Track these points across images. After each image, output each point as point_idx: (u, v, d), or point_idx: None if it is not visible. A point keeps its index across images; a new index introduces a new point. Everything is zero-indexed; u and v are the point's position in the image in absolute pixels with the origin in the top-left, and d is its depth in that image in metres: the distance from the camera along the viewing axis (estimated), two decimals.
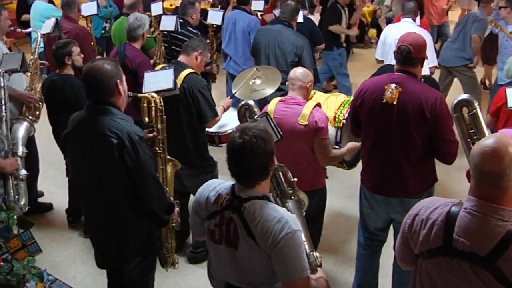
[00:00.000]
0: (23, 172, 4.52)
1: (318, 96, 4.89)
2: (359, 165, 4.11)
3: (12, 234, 3.96)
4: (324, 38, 7.38)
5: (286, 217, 2.55)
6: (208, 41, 6.48)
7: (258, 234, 2.53)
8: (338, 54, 8.17)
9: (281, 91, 5.33)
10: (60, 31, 5.89)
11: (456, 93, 4.62)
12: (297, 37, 6.20)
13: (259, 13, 7.76)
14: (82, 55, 5.07)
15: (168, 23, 6.22)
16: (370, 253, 4.23)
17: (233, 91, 5.02)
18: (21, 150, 4.61)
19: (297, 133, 4.03)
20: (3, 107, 4.50)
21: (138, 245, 3.38)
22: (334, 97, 4.92)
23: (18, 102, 5.09)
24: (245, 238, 2.57)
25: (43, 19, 6.97)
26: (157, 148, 3.80)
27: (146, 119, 3.77)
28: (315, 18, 8.88)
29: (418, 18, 6.53)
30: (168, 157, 3.93)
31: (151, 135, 3.75)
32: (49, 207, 5.76)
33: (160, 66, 5.05)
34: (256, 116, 3.64)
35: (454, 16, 11.38)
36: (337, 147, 4.48)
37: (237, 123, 3.94)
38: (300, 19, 6.63)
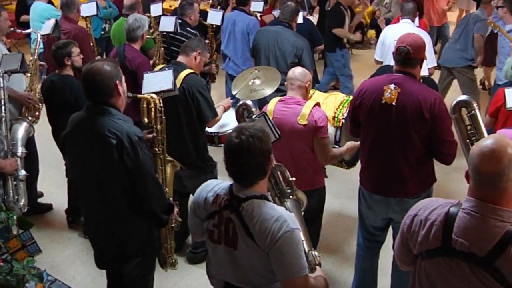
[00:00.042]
0: (23, 172, 4.52)
1: (317, 95, 4.89)
2: (359, 165, 4.11)
3: (11, 235, 3.96)
4: (323, 39, 7.38)
5: (284, 215, 2.55)
6: (207, 41, 6.49)
7: (257, 233, 2.53)
8: (341, 55, 8.16)
9: (281, 92, 5.34)
10: (60, 32, 5.90)
11: (454, 94, 4.63)
12: (297, 38, 6.21)
13: (258, 14, 7.77)
14: (82, 56, 5.08)
15: (167, 24, 6.23)
16: (369, 253, 4.23)
17: (233, 92, 5.02)
18: (20, 150, 4.61)
19: (296, 133, 4.04)
20: (3, 107, 4.50)
21: (138, 245, 3.38)
22: (333, 96, 4.93)
23: (18, 103, 5.10)
24: (243, 237, 2.58)
25: (43, 19, 6.98)
26: (156, 149, 3.80)
27: (146, 119, 3.77)
28: (314, 19, 8.90)
29: (417, 19, 6.54)
30: (168, 157, 3.94)
31: (150, 135, 3.75)
32: (48, 207, 5.77)
33: (159, 66, 5.05)
34: (254, 116, 3.65)
35: (452, 17, 11.40)
36: (336, 146, 4.49)
37: (237, 123, 3.95)
38: (300, 20, 6.64)
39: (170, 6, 10.26)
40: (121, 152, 3.12)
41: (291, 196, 3.09)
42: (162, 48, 6.50)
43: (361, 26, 10.98)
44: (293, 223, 2.54)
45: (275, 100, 4.25)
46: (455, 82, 7.56)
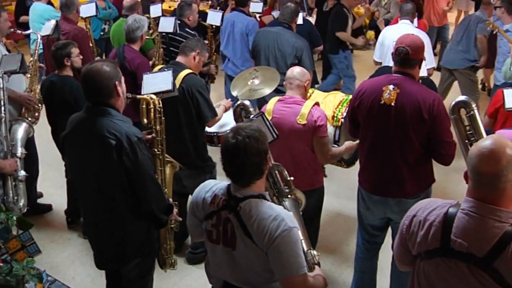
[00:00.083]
0: (22, 173, 4.52)
1: (316, 95, 4.90)
2: (358, 165, 4.11)
3: (11, 235, 3.97)
4: (321, 40, 7.38)
5: (282, 214, 2.56)
6: (206, 42, 6.49)
7: (255, 232, 2.54)
8: (344, 57, 8.16)
9: (280, 92, 5.35)
10: (59, 33, 5.90)
11: (455, 95, 4.63)
12: (297, 39, 6.22)
13: (257, 15, 7.77)
14: (81, 57, 5.08)
15: (167, 25, 6.24)
16: (368, 254, 4.23)
17: (232, 92, 5.03)
18: (20, 151, 4.61)
19: (296, 133, 4.04)
20: (2, 108, 4.50)
21: (137, 246, 3.38)
22: (332, 96, 4.93)
23: (17, 104, 5.09)
24: (242, 237, 2.58)
25: (43, 20, 6.98)
26: (155, 150, 3.80)
27: (145, 120, 3.77)
28: (313, 19, 8.90)
29: (416, 20, 6.55)
30: (167, 158, 3.94)
31: (149, 136, 3.75)
32: (48, 208, 5.77)
33: (158, 67, 5.05)
34: (252, 116, 3.65)
35: (451, 18, 11.40)
36: (335, 146, 4.49)
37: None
38: (299, 21, 6.65)
39: (170, 7, 10.27)
40: (120, 153, 3.12)
41: (289, 196, 3.09)
42: (162, 49, 6.50)
43: (360, 27, 10.98)
44: (291, 222, 2.54)
45: (274, 99, 4.25)
46: (455, 83, 7.56)
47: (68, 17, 6.46)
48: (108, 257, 3.45)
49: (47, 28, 5.93)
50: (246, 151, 2.53)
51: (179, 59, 4.71)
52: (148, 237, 3.43)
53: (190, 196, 4.76)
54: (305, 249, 2.78)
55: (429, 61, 5.57)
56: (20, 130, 4.77)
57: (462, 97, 3.86)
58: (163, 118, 3.81)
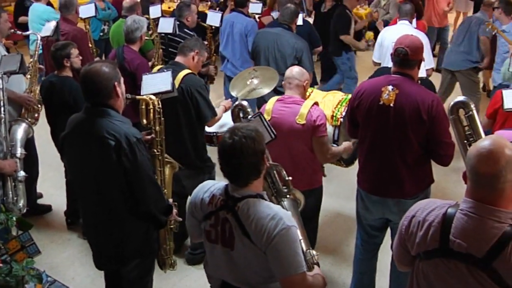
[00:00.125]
0: (22, 173, 4.53)
1: (315, 94, 4.91)
2: (357, 165, 4.12)
3: (11, 236, 3.98)
4: (321, 41, 7.39)
5: (280, 213, 2.56)
6: (206, 43, 6.50)
7: (253, 232, 2.54)
8: (347, 58, 8.17)
9: (280, 93, 5.35)
10: (59, 34, 5.90)
11: (455, 96, 4.64)
12: (297, 40, 6.23)
13: (256, 16, 7.78)
14: (81, 57, 5.08)
15: (166, 25, 6.24)
16: (367, 255, 4.24)
17: (231, 92, 5.04)
18: (19, 151, 4.61)
19: (295, 133, 4.05)
20: (2, 109, 4.50)
21: (136, 246, 3.38)
22: (331, 95, 4.94)
23: (17, 105, 5.09)
24: (240, 237, 2.59)
25: (42, 21, 6.98)
26: (155, 150, 3.80)
27: (144, 121, 3.77)
28: (311, 20, 8.90)
29: (414, 20, 6.56)
30: (167, 159, 3.94)
31: (149, 137, 3.75)
32: (48, 208, 5.77)
33: (158, 67, 5.05)
34: (250, 116, 3.66)
35: (450, 19, 11.39)
36: (334, 145, 4.50)
37: None
38: (299, 22, 6.65)
39: (169, 8, 10.27)
40: (119, 154, 3.12)
41: (288, 196, 3.09)
42: (161, 50, 6.51)
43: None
44: (289, 221, 2.54)
45: (273, 99, 4.26)
46: (457, 85, 7.56)
47: (67, 17, 6.47)
48: (107, 258, 3.45)
49: (47, 29, 5.94)
50: (242, 151, 2.54)
51: (178, 59, 4.72)
52: (147, 238, 3.43)
53: (189, 197, 4.77)
54: (304, 249, 2.79)
55: (428, 62, 5.58)
56: (20, 131, 4.77)
57: (461, 98, 3.85)
58: (162, 118, 3.81)
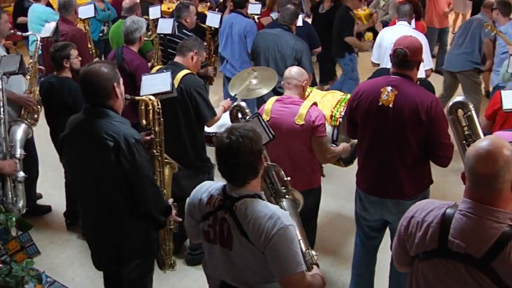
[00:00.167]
0: (21, 174, 4.53)
1: (314, 94, 4.91)
2: (356, 165, 4.12)
3: (10, 236, 3.98)
4: (320, 41, 7.39)
5: (278, 213, 2.56)
6: (205, 44, 6.50)
7: (251, 231, 2.54)
8: (349, 59, 8.18)
9: (280, 94, 5.36)
10: (58, 35, 5.90)
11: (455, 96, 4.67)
12: (297, 41, 6.23)
13: (256, 17, 7.78)
14: (80, 58, 5.08)
15: (165, 26, 6.24)
16: (366, 257, 4.24)
17: (231, 92, 5.04)
18: (19, 152, 4.61)
19: (294, 133, 4.05)
20: (1, 109, 4.49)
21: (136, 247, 3.38)
22: (330, 95, 4.95)
23: (17, 106, 5.09)
24: (238, 237, 2.59)
25: (42, 22, 6.97)
26: (154, 151, 3.80)
27: (144, 121, 3.77)
28: (310, 21, 8.90)
29: (413, 21, 6.57)
30: (166, 159, 3.94)
31: (148, 137, 3.75)
32: (47, 209, 5.77)
33: (157, 68, 5.05)
34: (248, 117, 3.66)
35: (449, 20, 11.42)
36: (333, 145, 4.51)
37: None
38: (299, 23, 6.66)
39: (169, 9, 10.27)
40: (118, 154, 3.12)
41: (287, 196, 3.10)
42: (160, 51, 6.51)
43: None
44: (286, 220, 2.54)
45: (272, 99, 4.27)
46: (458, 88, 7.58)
47: (66, 18, 6.47)
48: (107, 258, 3.45)
49: (47, 30, 5.93)
50: (239, 151, 2.54)
51: (177, 59, 4.72)
52: (147, 238, 3.43)
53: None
54: (304, 249, 2.79)
55: (427, 63, 5.58)
56: (19, 131, 4.77)
57: (460, 98, 3.85)
58: (162, 119, 3.82)
